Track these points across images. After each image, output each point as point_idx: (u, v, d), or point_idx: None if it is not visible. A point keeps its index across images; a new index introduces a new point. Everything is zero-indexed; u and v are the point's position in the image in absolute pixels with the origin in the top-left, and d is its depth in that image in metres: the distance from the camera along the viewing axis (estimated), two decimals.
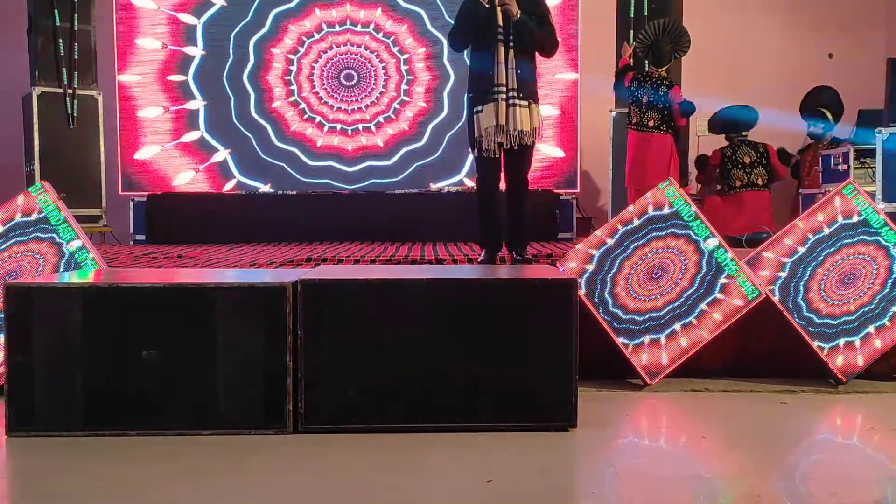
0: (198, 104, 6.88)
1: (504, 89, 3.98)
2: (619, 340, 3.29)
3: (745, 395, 3.20)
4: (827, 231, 3.47)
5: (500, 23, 3.97)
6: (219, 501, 2.09)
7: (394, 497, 2.11)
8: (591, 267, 3.40)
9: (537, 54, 4.16)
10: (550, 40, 4.11)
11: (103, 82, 6.88)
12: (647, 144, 6.16)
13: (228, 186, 7.08)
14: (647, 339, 3.29)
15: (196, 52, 6.87)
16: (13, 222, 3.36)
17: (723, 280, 3.36)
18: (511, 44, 3.98)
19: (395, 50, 6.91)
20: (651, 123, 6.13)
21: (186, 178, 7.10)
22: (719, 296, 3.34)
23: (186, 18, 6.81)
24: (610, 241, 3.44)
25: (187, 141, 6.96)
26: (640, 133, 6.19)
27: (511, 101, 3.98)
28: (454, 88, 7.01)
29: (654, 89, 6.13)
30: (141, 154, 6.95)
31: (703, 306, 3.33)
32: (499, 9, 3.97)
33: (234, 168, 7.07)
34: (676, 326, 3.30)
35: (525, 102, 4.01)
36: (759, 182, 6.47)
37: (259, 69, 7.08)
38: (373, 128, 6.93)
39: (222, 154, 7.00)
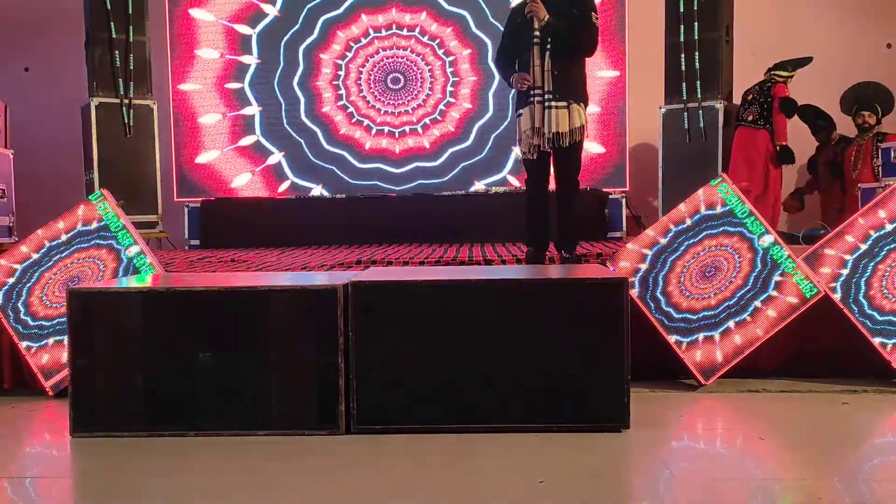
0: (253, 110, 7.20)
1: (540, 92, 3.98)
2: (672, 339, 3.24)
3: (804, 395, 3.12)
4: (889, 227, 3.37)
5: (536, 25, 3.97)
6: (276, 501, 2.12)
7: (446, 497, 2.11)
8: (643, 266, 3.36)
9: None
10: (584, 40, 4.04)
11: (158, 92, 7.06)
12: (743, 138, 6.21)
13: (283, 187, 7.33)
14: (700, 337, 3.23)
15: (251, 60, 7.28)
16: (75, 230, 3.47)
17: (779, 278, 3.28)
18: (548, 46, 3.97)
19: (440, 52, 7.16)
20: (750, 118, 6.19)
21: (243, 181, 7.40)
22: (775, 294, 3.26)
23: (242, 29, 7.27)
24: (663, 241, 3.40)
25: (244, 145, 7.32)
26: (739, 128, 6.25)
27: (547, 104, 3.97)
28: (499, 89, 7.20)
29: (758, 86, 6.22)
30: (201, 159, 7.35)
31: (758, 304, 3.26)
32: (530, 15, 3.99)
33: (288, 170, 7.38)
34: (731, 325, 3.24)
35: (563, 103, 3.99)
36: None
37: (309, 75, 7.32)
38: (419, 129, 7.19)
39: (277, 157, 7.22)
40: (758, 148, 6.14)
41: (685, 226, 3.40)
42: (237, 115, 7.25)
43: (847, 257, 3.35)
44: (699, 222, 3.40)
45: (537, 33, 3.98)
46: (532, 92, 4.01)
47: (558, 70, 3.98)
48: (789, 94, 6.20)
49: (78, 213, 3.51)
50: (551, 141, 4.00)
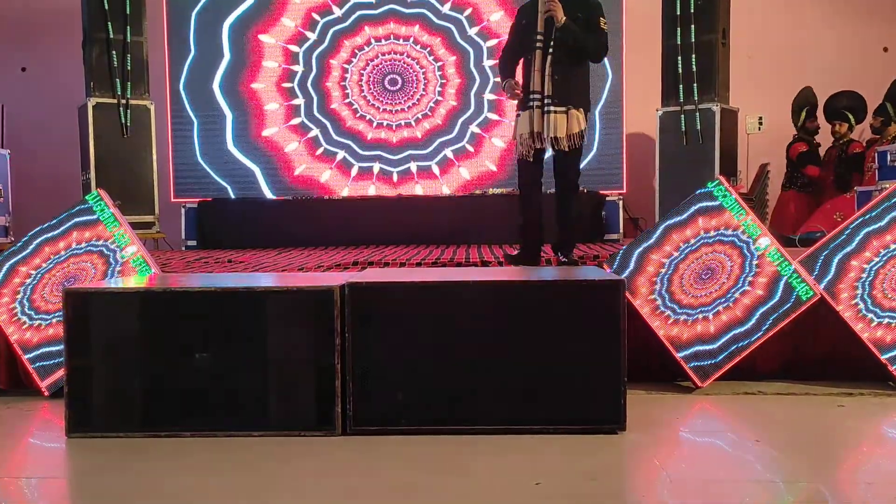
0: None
1: (539, 96, 3.97)
2: (668, 342, 3.24)
3: (800, 397, 3.13)
4: (888, 235, 3.37)
5: (540, 29, 3.95)
6: (272, 502, 2.12)
7: (442, 499, 2.11)
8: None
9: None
10: (596, 45, 4.01)
11: (155, 92, 7.06)
12: (782, 202, 7.06)
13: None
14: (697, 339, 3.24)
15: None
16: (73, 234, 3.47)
17: (776, 280, 3.28)
18: (550, 50, 3.95)
19: (431, 59, 7.79)
20: (784, 181, 7.08)
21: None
22: (772, 296, 3.26)
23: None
24: (662, 245, 3.40)
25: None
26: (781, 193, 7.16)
27: (546, 109, 3.96)
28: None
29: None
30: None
31: (755, 306, 3.26)
32: (540, 15, 3.95)
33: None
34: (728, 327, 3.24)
35: (562, 108, 3.97)
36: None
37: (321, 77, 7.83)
38: (413, 122, 7.82)
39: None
40: (784, 207, 7.00)
41: (684, 231, 3.40)
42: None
43: (842, 259, 3.35)
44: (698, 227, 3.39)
45: (540, 37, 3.96)
46: (531, 96, 3.99)
47: (559, 75, 3.95)
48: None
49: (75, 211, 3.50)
50: (550, 145, 4.00)
